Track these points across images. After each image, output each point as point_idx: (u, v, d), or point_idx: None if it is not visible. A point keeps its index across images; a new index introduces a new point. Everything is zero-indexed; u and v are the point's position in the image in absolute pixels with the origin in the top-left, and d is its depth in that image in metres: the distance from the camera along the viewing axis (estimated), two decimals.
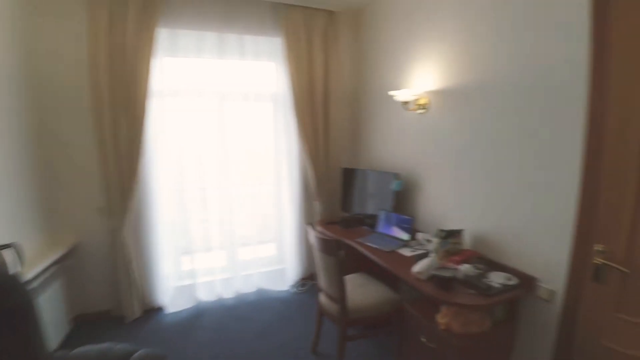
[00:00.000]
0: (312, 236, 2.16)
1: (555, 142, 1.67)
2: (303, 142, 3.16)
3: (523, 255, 1.88)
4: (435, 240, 1.95)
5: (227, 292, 3.20)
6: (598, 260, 1.43)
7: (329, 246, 1.99)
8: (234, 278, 3.21)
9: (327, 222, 3.04)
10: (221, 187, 3.09)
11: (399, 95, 2.43)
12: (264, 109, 3.24)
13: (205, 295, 3.12)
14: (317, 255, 2.17)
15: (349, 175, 3.19)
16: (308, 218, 3.39)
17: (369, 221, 2.90)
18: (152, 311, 2.95)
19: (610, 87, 1.41)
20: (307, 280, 3.48)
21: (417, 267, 1.90)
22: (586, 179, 1.52)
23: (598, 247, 1.46)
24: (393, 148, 2.88)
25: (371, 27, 3.18)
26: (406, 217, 2.48)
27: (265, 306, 3.07)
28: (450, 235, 2.10)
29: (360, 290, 2.23)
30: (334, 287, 2.05)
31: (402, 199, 2.75)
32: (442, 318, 1.77)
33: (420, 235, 2.27)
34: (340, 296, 2.01)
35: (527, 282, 1.80)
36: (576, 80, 1.54)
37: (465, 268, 1.88)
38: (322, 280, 2.23)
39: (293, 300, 3.17)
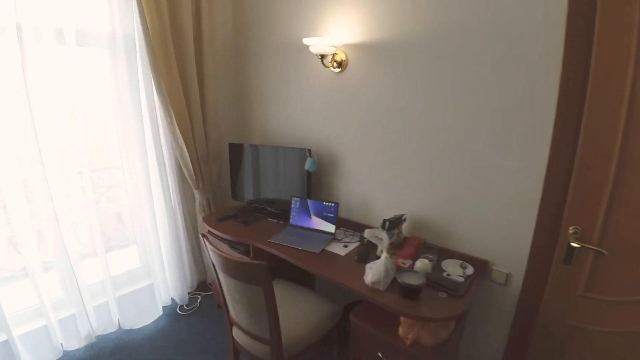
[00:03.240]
0: (213, 253, 1.43)
1: (516, 111, 1.43)
2: (166, 110, 2.19)
3: (472, 239, 1.68)
4: (384, 236, 1.54)
5: (71, 341, 2.09)
6: (575, 242, 1.29)
7: (252, 272, 1.31)
8: (78, 315, 2.11)
9: (219, 218, 2.27)
10: (30, 177, 1.87)
11: (317, 45, 1.81)
12: (96, 59, 2.08)
13: (33, 354, 1.95)
14: (226, 280, 1.47)
15: (239, 154, 2.44)
16: (189, 211, 2.52)
17: (275, 211, 2.30)
18: None
19: (594, 34, 1.17)
20: (196, 292, 2.67)
21: (371, 276, 1.46)
22: (555, 154, 1.34)
23: (572, 228, 1.32)
24: (302, 117, 2.28)
25: None
26: (328, 203, 2.00)
27: (138, 354, 2.15)
28: (395, 225, 1.73)
29: (290, 311, 1.67)
30: (260, 324, 1.41)
31: (318, 182, 2.24)
32: (407, 331, 1.41)
33: (367, 233, 1.71)
34: (273, 337, 1.40)
35: (479, 267, 1.61)
36: (546, 26, 1.28)
37: (422, 264, 1.55)
38: (236, 314, 1.55)
39: (177, 333, 2.34)
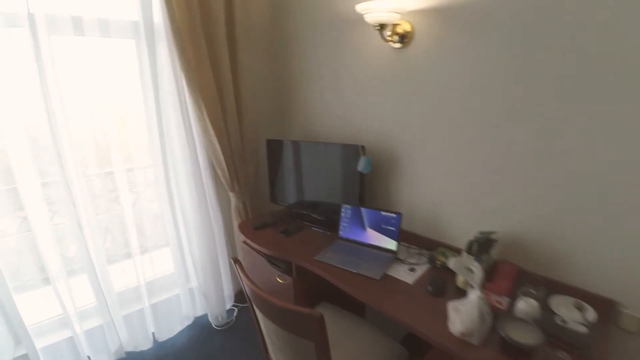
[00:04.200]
0: (248, 288, 1.11)
1: None
2: (197, 103, 1.91)
3: (590, 269, 1.23)
4: (477, 267, 1.13)
5: (99, 357, 1.92)
6: None
7: (301, 323, 0.97)
8: (107, 326, 1.92)
9: (256, 226, 1.97)
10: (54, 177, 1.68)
11: (376, 11, 1.40)
12: (121, 50, 1.83)
13: None
14: (265, 321, 1.14)
15: (278, 152, 2.12)
16: (224, 215, 2.24)
17: (319, 218, 1.96)
18: None
19: None
20: (237, 304, 2.42)
21: (461, 323, 1.06)
22: None
23: None
24: (353, 108, 1.89)
25: None
26: (389, 213, 1.61)
27: None
28: (485, 248, 1.32)
29: (341, 351, 1.32)
30: None
31: (372, 186, 1.85)
32: None
33: (454, 264, 1.22)
34: None
35: (602, 309, 1.16)
36: None
37: (526, 306, 1.13)
38: (276, 358, 1.23)
39: (212, 352, 2.09)
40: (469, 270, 1.16)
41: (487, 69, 1.33)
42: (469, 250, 1.30)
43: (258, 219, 2.09)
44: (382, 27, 1.47)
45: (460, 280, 1.31)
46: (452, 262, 1.17)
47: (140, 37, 1.81)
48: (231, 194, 2.19)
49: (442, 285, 1.33)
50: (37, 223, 1.65)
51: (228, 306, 2.39)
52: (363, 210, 1.68)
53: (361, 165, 1.67)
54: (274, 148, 2.13)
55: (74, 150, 1.69)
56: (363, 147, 1.69)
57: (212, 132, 1.99)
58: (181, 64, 1.83)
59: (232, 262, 1.31)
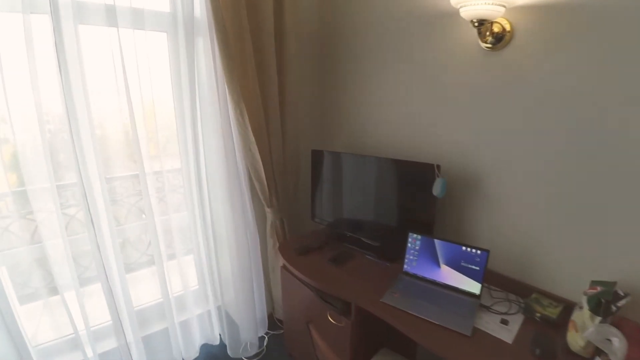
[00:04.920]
0: None
1: None
2: (237, 106, 1.67)
3: None
4: (619, 338, 0.86)
5: None
6: None
7: None
8: (170, 331, 1.74)
9: (300, 251, 1.70)
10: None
11: (476, 4, 1.14)
12: (155, 44, 1.60)
13: None
14: None
15: (325, 164, 1.86)
16: (259, 232, 1.98)
17: (373, 244, 1.69)
18: None
19: None
20: (268, 331, 2.16)
21: None
22: None
23: None
24: (422, 118, 1.62)
25: None
26: (474, 249, 1.33)
27: None
28: (610, 304, 1.04)
29: None
30: None
31: (443, 212, 1.58)
32: None
33: (592, 334, 0.87)
34: None
35: None
36: None
37: None
38: None
39: None
40: (608, 343, 0.88)
41: (610, 83, 1.06)
42: (594, 309, 1.02)
43: (299, 241, 1.83)
44: (480, 23, 1.20)
45: (576, 342, 1.04)
46: (590, 332, 0.90)
47: (178, 30, 1.57)
48: (268, 210, 1.93)
49: (552, 347, 1.06)
50: (48, 229, 1.41)
51: (260, 333, 2.12)
52: (437, 242, 1.41)
53: (437, 189, 1.40)
54: (319, 160, 1.88)
55: (96, 150, 1.46)
56: (438, 167, 1.42)
57: (252, 138, 1.74)
58: (223, 62, 1.59)
59: (308, 328, 1.03)
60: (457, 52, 1.42)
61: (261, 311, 2.13)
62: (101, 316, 1.67)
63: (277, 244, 1.95)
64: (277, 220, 1.95)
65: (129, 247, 1.89)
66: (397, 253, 1.56)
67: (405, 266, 1.48)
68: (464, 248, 1.35)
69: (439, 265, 1.41)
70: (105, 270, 1.55)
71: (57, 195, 1.39)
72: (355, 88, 1.91)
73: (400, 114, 1.71)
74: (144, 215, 1.72)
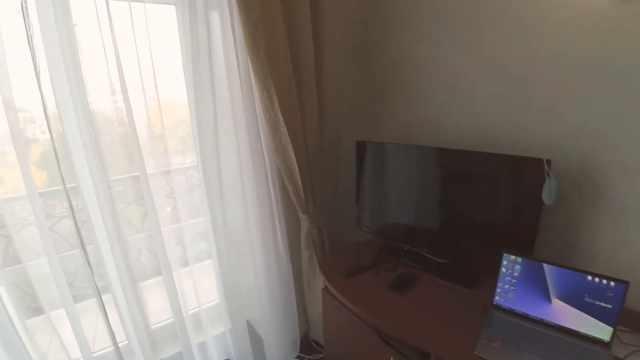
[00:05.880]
0: None
1: None
2: (264, 89, 1.30)
3: None
4: None
5: None
6: None
7: None
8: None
9: (348, 272, 1.34)
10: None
11: None
12: (159, 17, 1.27)
13: None
14: None
15: (373, 160, 1.48)
16: (290, 241, 1.64)
17: (440, 261, 1.32)
18: None
19: None
20: (302, 355, 1.83)
21: None
22: None
23: None
24: (522, 97, 1.20)
25: None
26: (607, 280, 0.94)
27: None
28: None
29: None
30: None
31: (546, 223, 1.18)
32: None
33: None
34: None
35: None
36: None
37: None
38: None
39: None
40: None
41: None
42: None
43: (343, 255, 1.48)
44: None
45: None
46: None
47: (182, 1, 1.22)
48: (303, 217, 1.58)
49: None
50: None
51: (292, 357, 1.80)
52: (548, 267, 1.02)
53: (550, 194, 1.01)
54: (366, 154, 1.50)
55: (92, 149, 1.14)
56: (549, 162, 1.02)
57: (284, 130, 1.38)
58: (245, 28, 1.23)
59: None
60: (575, 4, 1.00)
61: (293, 331, 1.80)
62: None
63: (315, 257, 1.60)
64: (315, 229, 1.59)
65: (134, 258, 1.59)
66: (476, 275, 1.20)
67: (497, 298, 1.10)
68: (589, 278, 0.96)
69: (549, 300, 1.02)
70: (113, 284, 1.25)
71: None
72: (416, 57, 1.48)
73: (482, 90, 1.29)
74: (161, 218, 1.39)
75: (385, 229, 1.52)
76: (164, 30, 1.30)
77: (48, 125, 1.09)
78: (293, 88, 1.38)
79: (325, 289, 1.39)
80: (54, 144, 1.10)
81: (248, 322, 1.73)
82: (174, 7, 1.28)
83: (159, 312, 1.57)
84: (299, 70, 1.41)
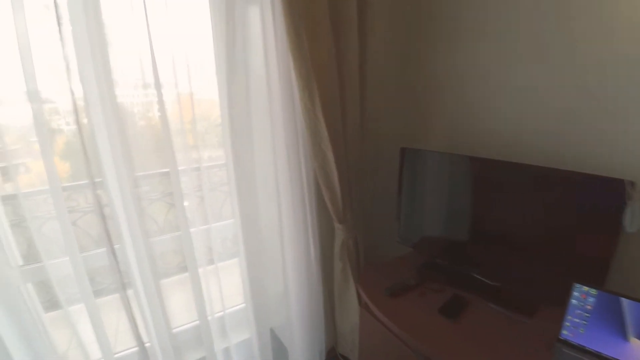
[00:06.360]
0: None
1: None
2: (307, 88, 1.21)
3: None
4: None
5: None
6: None
7: None
8: None
9: (392, 291, 1.24)
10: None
11: None
12: (189, 11, 1.16)
13: None
14: None
15: (420, 168, 1.38)
16: (324, 250, 1.54)
17: (492, 283, 1.22)
18: None
19: None
20: None
21: None
22: None
23: None
24: (604, 109, 1.09)
25: None
26: None
27: None
28: None
29: None
30: None
31: (627, 254, 1.05)
32: None
33: None
34: None
35: None
36: None
37: None
38: None
39: None
40: None
41: None
42: None
43: (381, 270, 1.39)
44: None
45: None
46: None
47: None
48: (339, 226, 1.48)
49: None
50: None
51: None
52: (628, 303, 0.91)
53: (632, 220, 0.89)
54: (412, 162, 1.39)
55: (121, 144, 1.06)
56: (632, 185, 0.91)
57: (324, 133, 1.28)
58: (288, 20, 1.13)
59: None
60: None
61: (319, 343, 1.72)
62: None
63: (349, 269, 1.51)
64: (350, 240, 1.50)
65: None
66: (533, 302, 1.09)
67: (564, 332, 0.99)
68: None
69: (625, 338, 0.91)
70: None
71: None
72: (473, 60, 1.36)
73: (557, 106, 1.17)
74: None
75: (430, 244, 1.42)
76: (197, 23, 1.20)
77: (77, 116, 1.02)
78: (336, 89, 1.28)
79: (365, 306, 1.29)
80: (82, 136, 1.02)
81: (272, 330, 1.66)
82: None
83: (181, 313, 1.51)
84: (343, 71, 1.30)
